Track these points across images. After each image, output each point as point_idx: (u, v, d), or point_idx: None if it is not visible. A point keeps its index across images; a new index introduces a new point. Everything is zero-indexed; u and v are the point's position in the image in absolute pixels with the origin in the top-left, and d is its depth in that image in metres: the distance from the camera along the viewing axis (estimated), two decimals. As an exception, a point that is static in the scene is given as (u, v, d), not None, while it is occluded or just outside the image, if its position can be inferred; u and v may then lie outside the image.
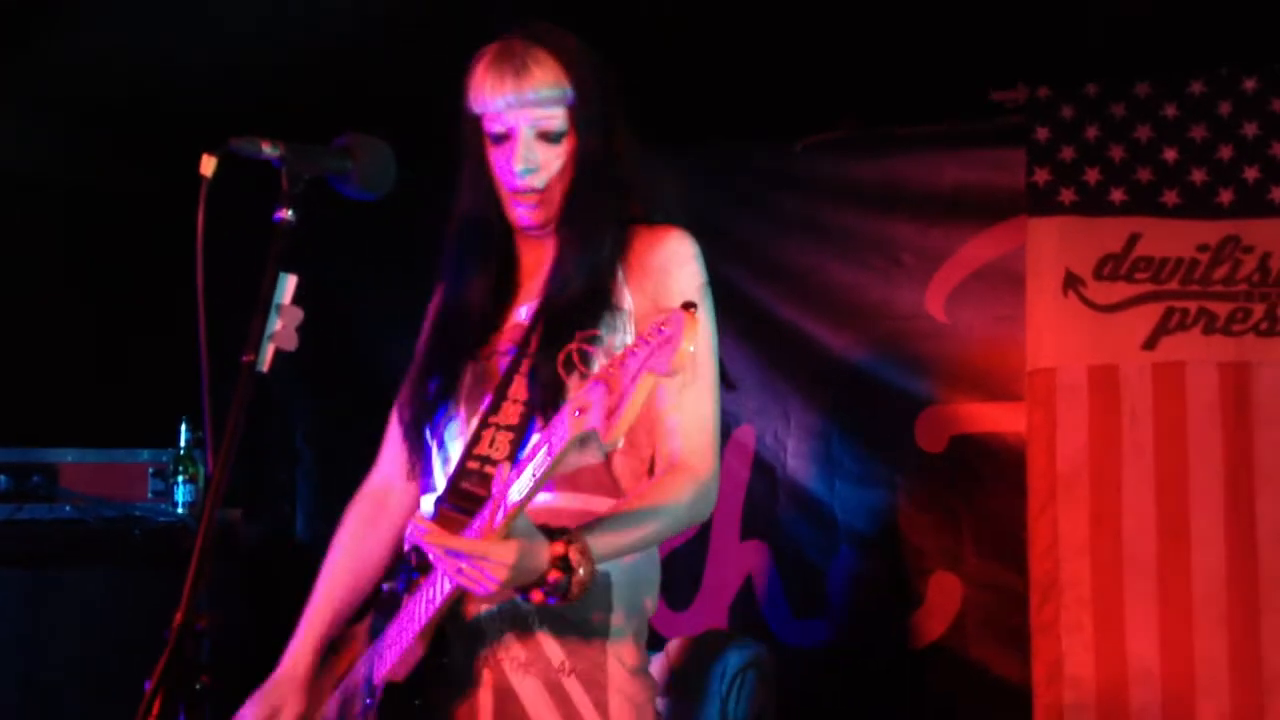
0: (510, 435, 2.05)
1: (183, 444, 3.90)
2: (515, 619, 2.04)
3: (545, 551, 1.84)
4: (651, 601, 2.18)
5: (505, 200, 2.18)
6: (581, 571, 1.85)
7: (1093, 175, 3.79)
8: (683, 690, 3.79)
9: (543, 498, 1.98)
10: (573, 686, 2.03)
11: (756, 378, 4.33)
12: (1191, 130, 3.71)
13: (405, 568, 2.09)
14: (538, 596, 1.87)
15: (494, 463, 2.03)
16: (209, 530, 1.66)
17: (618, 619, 2.07)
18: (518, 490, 1.78)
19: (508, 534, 1.81)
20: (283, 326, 1.80)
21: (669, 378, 1.60)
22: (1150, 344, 3.72)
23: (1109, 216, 3.77)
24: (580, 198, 2.16)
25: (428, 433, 2.19)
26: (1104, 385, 3.74)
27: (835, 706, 4.10)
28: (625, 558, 2.03)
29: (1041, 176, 3.82)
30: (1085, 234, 3.78)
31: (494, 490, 1.83)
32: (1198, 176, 3.71)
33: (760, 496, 4.32)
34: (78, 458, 3.83)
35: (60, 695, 3.50)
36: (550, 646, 2.04)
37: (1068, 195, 3.80)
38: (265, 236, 1.80)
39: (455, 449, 2.14)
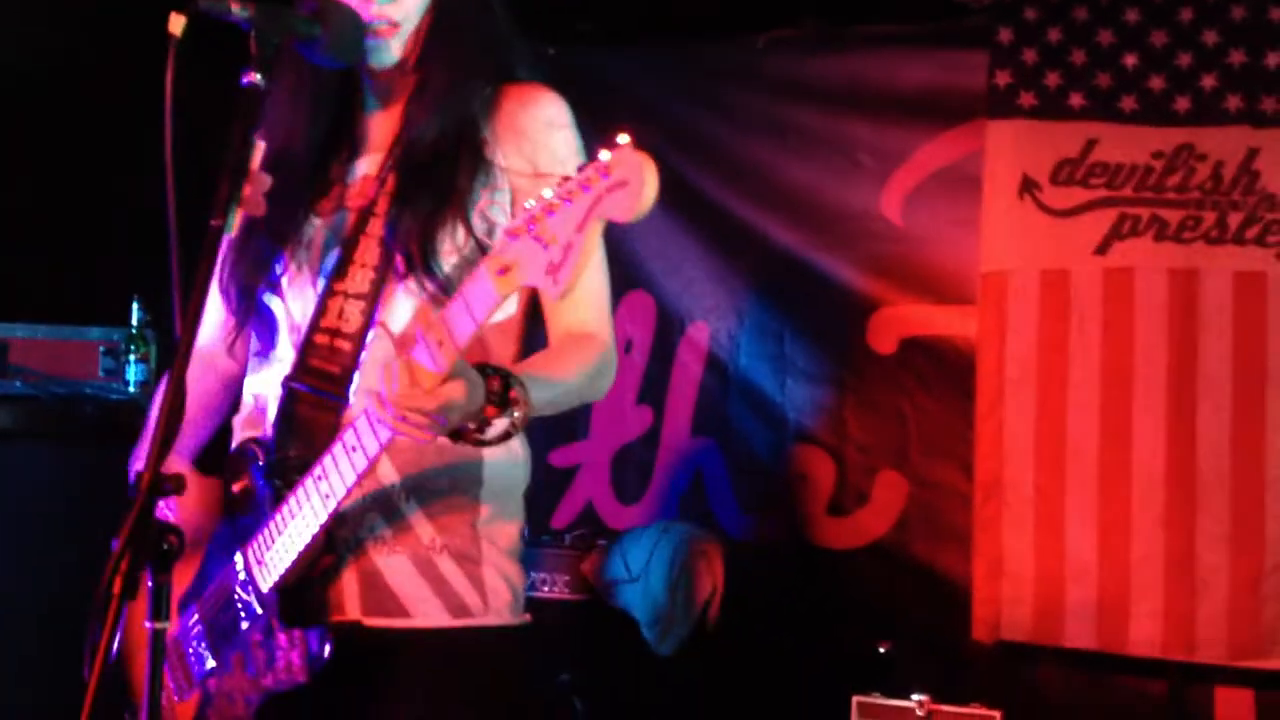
0: (361, 305, 1.94)
1: (134, 322, 3.86)
2: (380, 500, 1.94)
3: (482, 387, 1.73)
4: (520, 500, 2.06)
5: None
6: (518, 413, 1.76)
7: (1053, 79, 3.80)
8: (632, 575, 3.85)
9: None
10: (443, 562, 1.96)
11: (711, 275, 4.34)
12: (1152, 36, 3.73)
13: (251, 465, 1.98)
14: (472, 437, 1.76)
15: (344, 336, 1.93)
16: (177, 390, 1.65)
17: (487, 509, 1.99)
18: (463, 332, 1.66)
19: (452, 374, 1.69)
20: (251, 191, 1.78)
21: (626, 223, 1.49)
22: (1102, 249, 3.76)
23: (1067, 121, 3.80)
24: (442, 36, 2.00)
25: (265, 295, 2.03)
26: (1055, 289, 3.79)
27: (779, 600, 4.17)
28: (494, 454, 1.93)
29: (1002, 79, 3.83)
30: (1043, 138, 3.81)
31: (425, 332, 1.69)
32: (1156, 83, 3.74)
33: (712, 393, 4.36)
34: (28, 333, 3.78)
35: (15, 567, 3.50)
36: (421, 525, 1.95)
37: (1027, 99, 3.82)
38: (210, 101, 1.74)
39: (297, 310, 2.01)
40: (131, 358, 3.82)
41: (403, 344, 1.80)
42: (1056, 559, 3.75)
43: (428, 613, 1.96)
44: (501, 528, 2.02)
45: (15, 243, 4.01)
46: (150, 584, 1.62)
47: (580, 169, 1.53)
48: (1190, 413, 3.67)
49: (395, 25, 1.97)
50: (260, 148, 1.80)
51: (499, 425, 1.78)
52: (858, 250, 4.17)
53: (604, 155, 1.52)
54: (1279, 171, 3.63)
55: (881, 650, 3.74)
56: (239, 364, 2.15)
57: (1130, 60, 3.75)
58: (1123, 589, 3.69)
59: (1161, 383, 3.69)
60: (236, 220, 1.77)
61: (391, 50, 1.99)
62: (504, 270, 1.60)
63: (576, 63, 4.43)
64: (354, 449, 1.81)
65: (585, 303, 1.99)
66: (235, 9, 1.77)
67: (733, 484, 4.32)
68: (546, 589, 3.93)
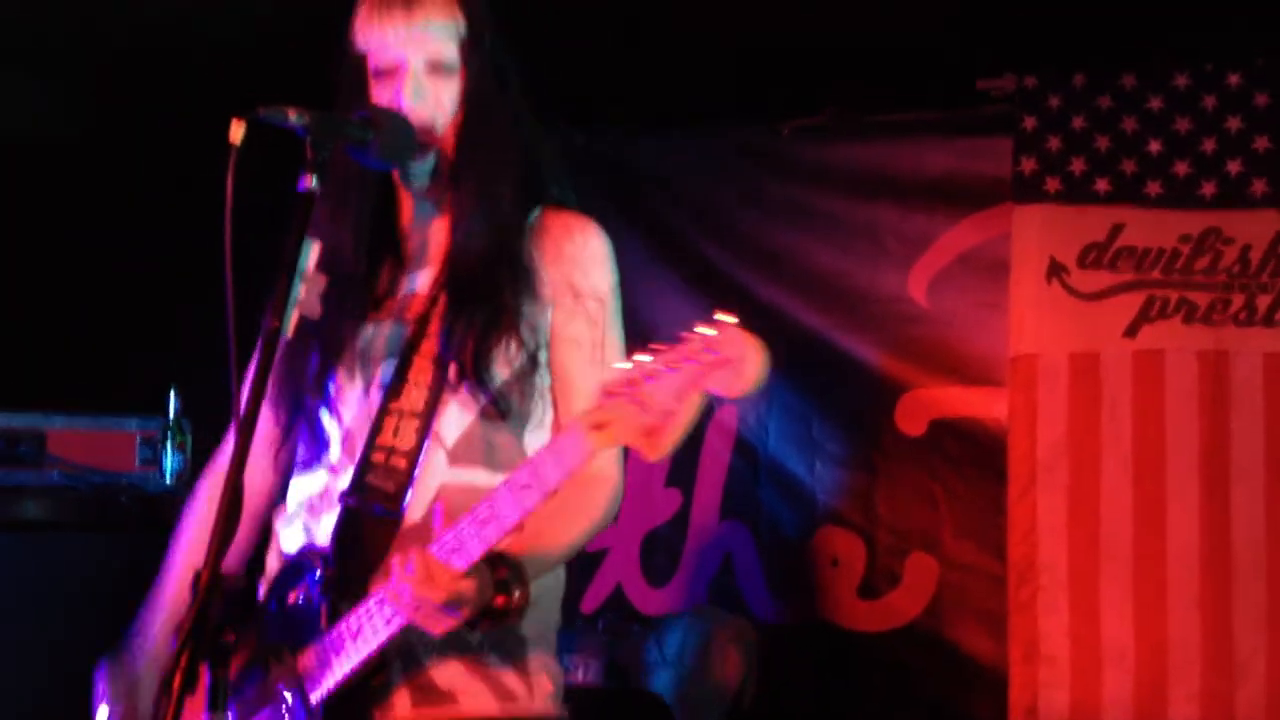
0: (416, 423, 1.99)
1: (171, 413, 3.89)
2: None
3: (490, 579, 1.83)
4: (558, 608, 2.13)
5: None
6: (518, 594, 1.84)
7: (1078, 165, 3.85)
8: (666, 662, 3.84)
9: (462, 474, 1.98)
10: (489, 658, 2.00)
11: (740, 359, 4.36)
12: (1176, 123, 3.78)
13: (308, 575, 2.01)
14: (486, 626, 1.86)
15: (400, 454, 1.99)
16: (235, 487, 1.68)
17: (530, 614, 1.99)
18: (551, 480, 1.74)
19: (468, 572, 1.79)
20: (306, 293, 1.82)
21: (732, 400, 1.60)
22: (1131, 332, 3.78)
23: (1093, 205, 3.83)
24: (474, 143, 2.04)
25: (320, 409, 2.08)
26: (1085, 372, 3.80)
27: (812, 684, 4.15)
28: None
29: (1028, 165, 3.88)
30: (1070, 222, 3.84)
31: (446, 538, 1.79)
32: (1181, 168, 3.78)
33: (741, 476, 4.36)
34: (66, 424, 3.82)
35: (51, 660, 3.50)
36: (465, 630, 1.97)
37: (1053, 184, 3.86)
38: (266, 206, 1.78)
39: (349, 417, 2.05)
40: (168, 448, 3.86)
41: (428, 519, 1.90)
42: (1092, 642, 3.73)
43: (476, 699, 1.99)
44: (543, 630, 2.07)
45: (54, 333, 4.06)
46: (209, 678, 1.65)
47: (685, 339, 1.59)
48: (1224, 494, 3.66)
49: (436, 134, 2.02)
50: (316, 249, 1.84)
51: (504, 612, 1.85)
52: (885, 333, 4.19)
53: (706, 330, 1.57)
54: (1307, 254, 3.66)
55: (917, 736, 3.72)
56: (278, 474, 2.18)
57: (1155, 146, 3.79)
58: (1160, 672, 3.67)
59: (1194, 465, 3.69)
60: (293, 321, 1.81)
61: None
62: (599, 427, 1.67)
63: (604, 149, 4.51)
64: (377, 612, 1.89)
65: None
66: (293, 116, 1.82)
67: (763, 567, 4.31)
68: (581, 674, 3.92)
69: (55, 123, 4.13)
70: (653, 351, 1.62)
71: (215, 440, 2.19)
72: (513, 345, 2.00)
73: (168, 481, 3.82)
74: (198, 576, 1.64)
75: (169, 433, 3.86)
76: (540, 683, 2.04)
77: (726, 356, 1.56)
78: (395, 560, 1.81)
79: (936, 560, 4.07)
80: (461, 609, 1.80)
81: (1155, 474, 3.72)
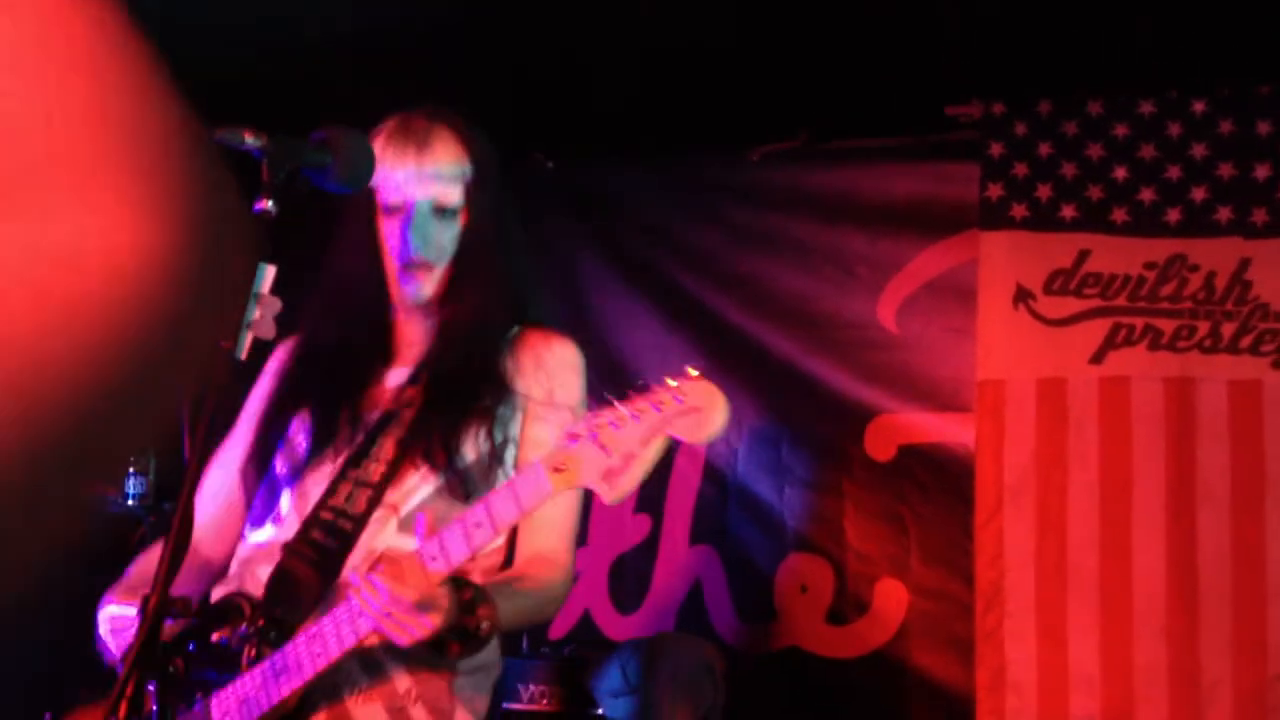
0: (369, 493, 2.06)
1: (134, 436, 3.87)
2: (361, 652, 1.98)
3: (458, 598, 1.85)
4: (490, 679, 2.16)
5: (391, 272, 2.19)
6: (487, 618, 1.87)
7: (1044, 191, 3.86)
8: (632, 689, 3.81)
9: (409, 541, 1.98)
10: (416, 710, 2.01)
11: (709, 384, 4.36)
12: (1141, 150, 3.80)
13: (236, 617, 2.02)
14: (456, 649, 1.87)
15: (348, 517, 2.05)
16: (186, 514, 1.66)
17: (462, 678, 2.07)
18: (466, 546, 1.77)
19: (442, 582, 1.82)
20: (261, 315, 1.81)
21: (697, 444, 1.67)
22: (1097, 358, 3.80)
23: (1059, 232, 3.85)
24: (468, 272, 2.19)
25: (280, 464, 2.16)
26: (1052, 398, 3.81)
27: (780, 711, 4.14)
28: None
29: (994, 191, 3.89)
30: (1036, 249, 3.85)
31: (430, 543, 1.81)
32: (1146, 195, 3.80)
33: (710, 502, 4.36)
34: (27, 447, 3.78)
35: (5, 680, 3.46)
36: (399, 676, 2.02)
37: (1019, 210, 3.88)
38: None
39: (310, 487, 2.12)
40: (131, 471, 3.83)
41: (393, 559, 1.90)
42: (1060, 670, 3.73)
43: None
44: (474, 695, 2.09)
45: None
46: (155, 706, 1.64)
47: (651, 389, 1.69)
48: (1190, 521, 3.67)
49: (430, 267, 2.15)
50: (271, 272, 1.83)
51: (473, 633, 1.87)
52: (854, 358, 4.20)
53: (672, 382, 1.67)
54: (1271, 281, 3.68)
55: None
56: (224, 557, 2.21)
57: (1120, 173, 3.82)
58: (1127, 700, 3.66)
59: (1160, 491, 3.70)
60: (246, 343, 1.80)
61: (424, 289, 2.17)
62: (559, 469, 1.73)
63: (574, 176, 4.51)
64: (341, 626, 1.90)
65: (553, 530, 2.11)
66: (249, 139, 1.83)
67: (731, 593, 4.30)
68: (546, 702, 3.89)
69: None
70: (618, 399, 1.70)
71: (179, 463, 2.18)
72: (481, 434, 2.08)
73: (130, 504, 3.79)
74: (145, 601, 1.63)
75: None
76: None
77: (693, 405, 1.66)
78: (357, 570, 1.82)
79: (905, 586, 4.06)
80: (433, 614, 1.80)
81: (1121, 500, 3.72)
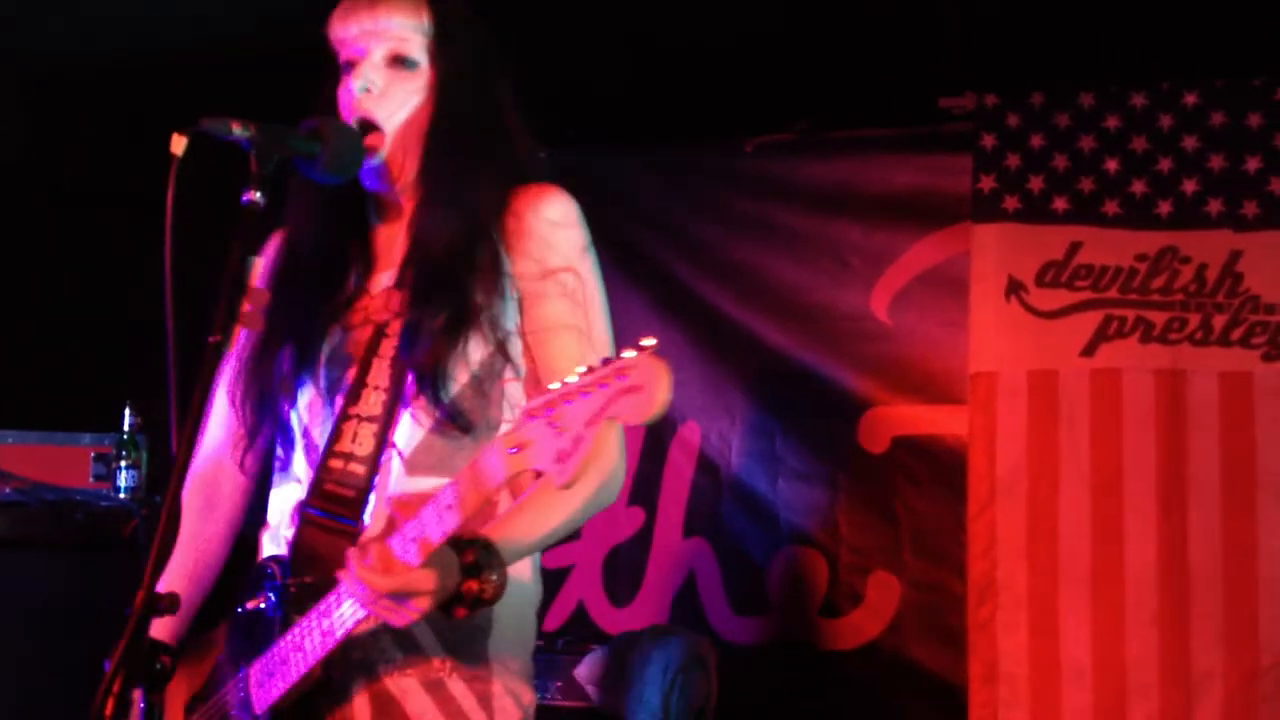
0: (374, 428, 1.95)
1: (126, 429, 3.86)
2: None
3: (457, 565, 1.77)
4: (532, 620, 2.07)
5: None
6: (495, 577, 1.78)
7: (1036, 183, 3.86)
8: (626, 682, 3.81)
9: (420, 482, 1.92)
10: (454, 683, 1.94)
11: (702, 375, 4.36)
12: (1133, 142, 3.80)
13: (268, 584, 1.97)
14: (461, 612, 1.80)
15: (358, 460, 1.95)
16: (173, 510, 1.65)
17: (497, 630, 1.97)
18: (439, 529, 1.70)
19: (425, 563, 1.73)
20: (249, 308, 1.79)
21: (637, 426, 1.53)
22: (1089, 350, 3.79)
23: (1051, 224, 3.85)
24: (443, 145, 2.00)
25: (287, 410, 2.03)
26: (1043, 390, 3.81)
27: (774, 703, 4.14)
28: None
29: (987, 183, 3.89)
30: (1028, 241, 3.85)
31: (405, 525, 1.74)
32: (1138, 188, 3.79)
33: (704, 494, 4.35)
34: (18, 439, 3.78)
35: (2, 675, 3.46)
36: (431, 647, 1.95)
37: (1011, 203, 3.87)
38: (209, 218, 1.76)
39: (315, 431, 2.01)
40: (123, 464, 3.82)
41: (389, 529, 1.84)
42: (1051, 661, 3.73)
43: None
44: (512, 648, 2.00)
45: (5, 349, 4.02)
46: (142, 704, 1.62)
47: (605, 363, 1.55)
48: (1180, 512, 3.68)
49: (379, 130, 1.98)
50: (259, 264, 1.82)
51: (478, 597, 1.80)
52: (848, 350, 4.20)
53: (627, 354, 1.53)
54: (1262, 274, 3.68)
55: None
56: (249, 477, 2.15)
57: (1112, 165, 3.81)
58: (1119, 691, 3.67)
59: (1151, 483, 3.70)
60: (235, 337, 1.79)
61: (379, 151, 1.99)
62: (517, 448, 1.62)
63: (569, 165, 4.47)
64: (328, 614, 1.84)
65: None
66: (236, 129, 1.79)
67: (725, 585, 4.30)
68: (543, 696, 3.89)
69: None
70: (577, 374, 1.59)
71: (168, 456, 2.17)
72: (471, 345, 1.94)
73: (122, 497, 3.78)
74: (131, 599, 1.62)
75: (123, 449, 3.83)
76: (506, 709, 1.97)
77: (635, 384, 1.52)
78: (351, 553, 1.76)
79: (898, 578, 4.06)
80: (418, 599, 1.74)
81: (1113, 492, 3.73)
